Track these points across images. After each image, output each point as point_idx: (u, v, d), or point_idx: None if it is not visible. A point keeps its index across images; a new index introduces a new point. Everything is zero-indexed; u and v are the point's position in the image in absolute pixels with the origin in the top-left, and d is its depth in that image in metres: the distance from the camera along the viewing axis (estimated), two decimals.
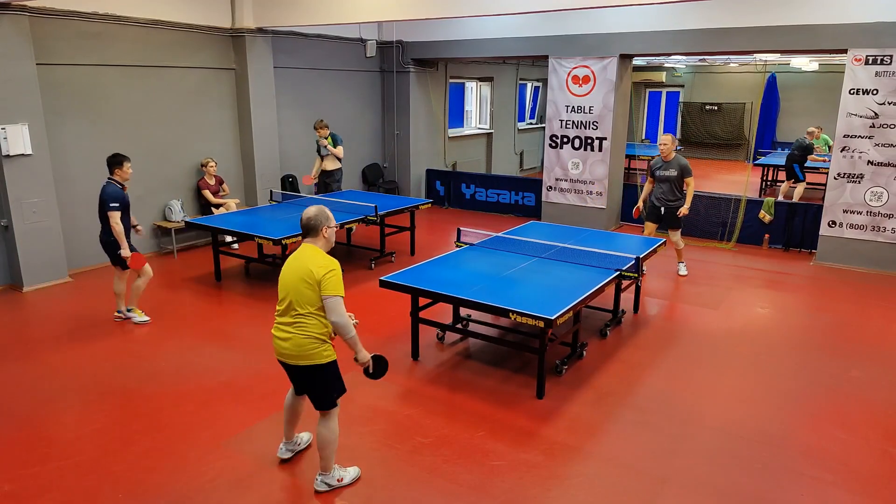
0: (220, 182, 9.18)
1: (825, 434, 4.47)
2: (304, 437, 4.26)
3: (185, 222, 7.88)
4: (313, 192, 9.76)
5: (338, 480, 3.83)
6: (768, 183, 13.75)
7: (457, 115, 14.60)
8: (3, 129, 6.80)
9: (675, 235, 7.26)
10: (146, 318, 6.40)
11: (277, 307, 3.70)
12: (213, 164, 8.97)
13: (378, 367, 3.77)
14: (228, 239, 8.22)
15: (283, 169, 10.39)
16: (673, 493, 3.82)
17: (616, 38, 9.52)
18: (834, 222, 8.46)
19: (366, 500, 3.75)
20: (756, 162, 14.24)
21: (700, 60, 16.80)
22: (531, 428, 4.49)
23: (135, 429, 4.44)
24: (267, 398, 4.87)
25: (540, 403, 4.83)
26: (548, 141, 10.53)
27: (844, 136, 8.19)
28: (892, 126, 7.86)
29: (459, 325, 5.99)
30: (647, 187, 7.70)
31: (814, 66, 15.57)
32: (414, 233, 8.88)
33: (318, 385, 3.68)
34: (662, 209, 7.41)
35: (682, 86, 20.08)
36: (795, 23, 8.20)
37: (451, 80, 13.65)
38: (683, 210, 7.36)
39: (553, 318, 4.44)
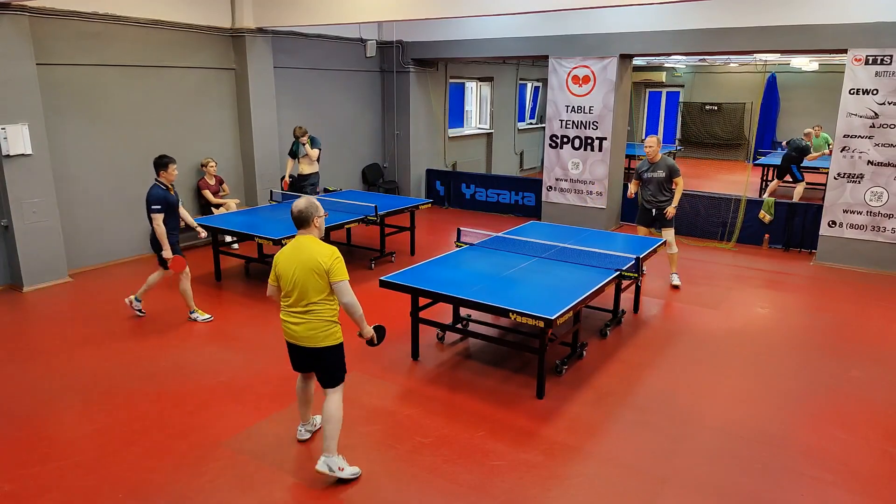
0: (220, 182, 9.18)
1: (825, 434, 4.47)
2: (318, 418, 4.44)
3: (185, 222, 7.87)
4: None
5: (339, 469, 3.88)
6: (768, 183, 13.74)
7: (457, 115, 14.60)
8: (3, 129, 6.80)
9: (669, 234, 7.16)
10: (208, 317, 6.48)
11: (284, 297, 3.86)
12: (213, 164, 8.97)
13: (379, 337, 4.07)
14: (228, 239, 8.22)
15: (283, 169, 10.38)
16: (673, 493, 3.82)
17: (616, 38, 9.52)
18: (834, 222, 8.46)
19: (366, 499, 3.75)
20: (756, 162, 14.24)
21: (700, 60, 16.80)
22: (531, 428, 4.49)
23: (135, 429, 4.44)
24: (267, 398, 4.87)
25: (540, 403, 4.83)
26: (548, 141, 10.53)
27: (844, 136, 8.19)
28: (892, 126, 7.86)
29: (459, 325, 6.00)
30: (632, 187, 7.55)
31: (814, 66, 15.57)
32: (414, 233, 8.88)
33: (328, 365, 3.91)
34: (653, 211, 7.32)
35: (682, 86, 20.08)
36: (795, 23, 8.20)
37: (451, 80, 13.66)
38: (670, 210, 7.18)
39: (553, 318, 4.44)
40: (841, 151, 8.25)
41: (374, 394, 4.96)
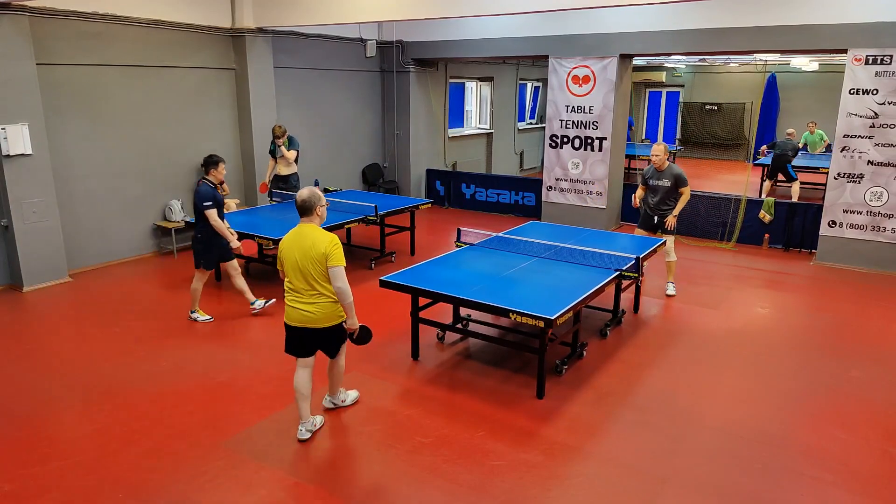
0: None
1: (825, 434, 4.47)
2: (318, 419, 4.52)
3: (185, 222, 7.89)
4: (269, 200, 9.22)
5: (341, 401, 4.67)
6: (776, 184, 13.71)
7: (457, 115, 14.60)
8: (3, 129, 6.80)
9: (669, 241, 7.10)
10: (208, 317, 6.49)
11: (289, 283, 4.18)
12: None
13: (363, 336, 4.33)
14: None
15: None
16: (673, 493, 3.82)
17: (616, 38, 9.52)
18: (834, 222, 8.46)
19: (366, 499, 3.75)
20: (756, 162, 14.25)
21: (700, 60, 16.80)
22: (531, 428, 4.49)
23: (135, 429, 4.44)
24: (267, 398, 4.87)
25: (540, 403, 4.83)
26: (548, 141, 10.53)
27: (844, 136, 8.19)
28: (892, 126, 7.86)
29: (459, 325, 5.99)
30: (639, 192, 7.40)
31: (814, 66, 15.57)
32: (414, 233, 8.88)
33: (333, 339, 4.33)
34: (655, 218, 7.23)
35: (682, 86, 20.08)
36: (795, 23, 8.19)
37: (451, 80, 13.66)
38: (670, 220, 7.04)
39: (553, 318, 4.44)
40: (841, 151, 8.25)
41: (374, 394, 4.96)
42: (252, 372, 5.31)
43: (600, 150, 10.05)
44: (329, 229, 7.17)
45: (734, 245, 9.55)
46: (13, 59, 6.83)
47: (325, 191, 10.18)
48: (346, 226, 7.71)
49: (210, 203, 6.08)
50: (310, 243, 4.02)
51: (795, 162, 12.70)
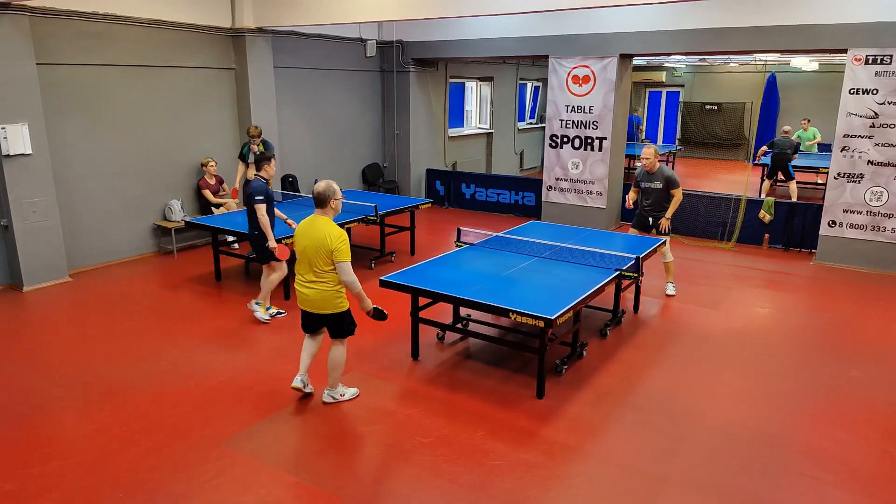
0: (220, 182, 9.18)
1: (825, 434, 4.47)
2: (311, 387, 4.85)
3: (186, 222, 7.89)
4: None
5: (340, 395, 4.77)
6: (776, 183, 13.74)
7: (457, 114, 14.61)
8: (3, 128, 6.80)
9: (665, 243, 7.08)
10: (272, 314, 6.47)
11: (297, 266, 4.53)
12: (213, 163, 8.97)
13: (378, 315, 4.60)
14: (230, 239, 8.22)
15: (283, 169, 10.39)
16: (673, 493, 3.83)
17: (616, 37, 9.52)
18: (834, 222, 8.46)
19: (366, 499, 3.75)
20: (756, 162, 14.25)
21: (700, 60, 16.81)
22: (531, 428, 4.49)
23: (135, 429, 4.44)
24: (267, 398, 4.87)
25: (540, 403, 4.83)
26: (548, 141, 10.53)
27: (844, 136, 8.19)
28: (892, 126, 7.86)
29: (459, 325, 5.99)
30: (631, 194, 7.35)
31: (814, 65, 15.58)
32: (414, 233, 8.88)
33: (336, 324, 4.60)
34: (650, 219, 7.24)
35: (682, 86, 20.09)
36: (795, 23, 8.19)
37: (451, 80, 13.66)
38: (663, 222, 7.01)
39: (553, 317, 4.44)
40: (841, 151, 8.25)
41: (374, 394, 4.96)
42: (252, 372, 5.31)
43: (600, 149, 10.05)
44: None
45: (734, 245, 9.55)
46: (13, 59, 6.83)
47: None
48: (347, 226, 7.70)
49: (261, 198, 6.14)
50: (320, 235, 4.30)
51: (798, 162, 12.69)
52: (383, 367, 5.43)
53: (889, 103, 7.83)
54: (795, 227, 9.24)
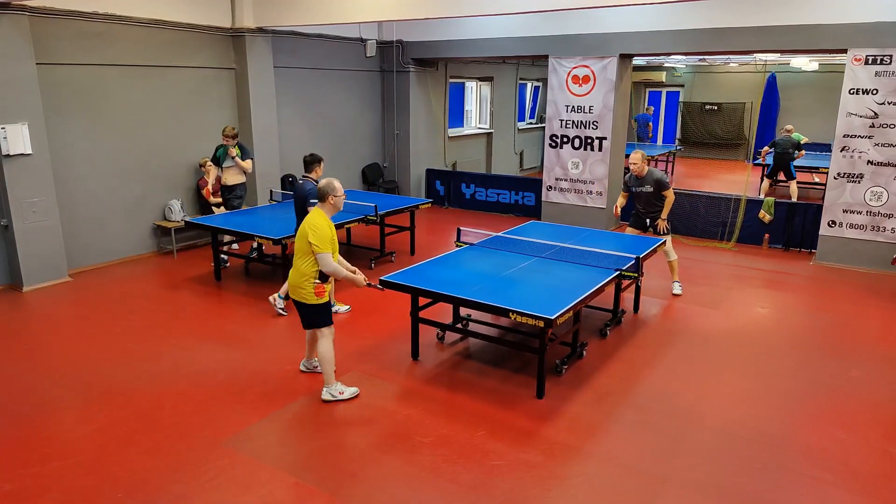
0: (219, 181, 9.17)
1: (825, 434, 4.47)
2: (316, 360, 5.15)
3: (185, 222, 7.89)
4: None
5: (339, 393, 4.81)
6: (776, 183, 13.77)
7: (457, 114, 14.60)
8: (3, 128, 6.80)
9: (667, 241, 7.09)
10: (347, 307, 6.66)
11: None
12: (211, 163, 8.96)
13: (370, 285, 4.91)
14: (227, 239, 8.21)
15: (283, 169, 10.39)
16: (673, 493, 3.83)
17: (616, 37, 9.52)
18: (834, 222, 8.46)
19: (366, 499, 3.75)
20: (756, 162, 14.25)
21: (700, 60, 16.81)
22: (531, 428, 4.49)
23: (135, 429, 4.44)
24: (267, 398, 4.87)
25: (540, 403, 4.83)
26: (548, 141, 10.53)
27: (844, 136, 8.19)
28: (892, 126, 7.86)
29: (459, 325, 5.99)
30: (620, 199, 7.35)
31: (814, 65, 15.58)
32: (414, 233, 8.88)
33: (303, 315, 4.81)
34: (647, 220, 7.26)
35: (682, 86, 20.09)
36: (795, 23, 8.19)
37: (451, 80, 13.65)
38: (660, 223, 7.05)
39: (553, 317, 4.44)
40: (841, 151, 8.25)
41: (374, 394, 4.96)
42: (252, 372, 5.31)
43: (600, 149, 10.05)
44: None
45: (734, 245, 9.55)
46: (13, 59, 6.83)
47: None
48: (346, 225, 7.70)
49: (316, 201, 6.15)
50: (306, 224, 4.57)
51: (798, 162, 12.70)
52: (383, 367, 5.43)
53: (889, 103, 7.83)
54: (795, 227, 9.24)
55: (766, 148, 12.33)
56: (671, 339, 6.09)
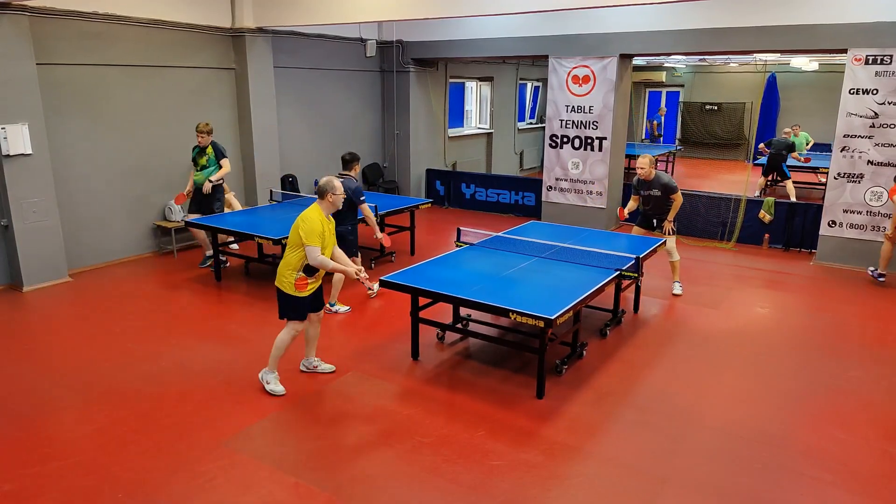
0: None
1: (825, 434, 4.47)
2: (319, 362, 5.29)
3: (185, 222, 7.88)
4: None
5: (266, 382, 4.94)
6: (769, 182, 13.81)
7: (457, 114, 14.60)
8: (3, 129, 6.80)
9: (670, 241, 7.13)
10: (347, 308, 6.69)
11: None
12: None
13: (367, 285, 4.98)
14: (229, 239, 8.21)
15: (283, 169, 10.39)
16: (673, 493, 3.82)
17: (616, 37, 9.52)
18: (834, 222, 8.46)
19: (365, 499, 3.75)
20: (756, 162, 14.26)
21: (700, 60, 16.80)
22: (531, 428, 4.49)
23: (135, 429, 4.44)
24: (267, 398, 4.87)
25: (540, 403, 4.83)
26: (548, 141, 10.53)
27: (844, 136, 8.19)
28: (892, 126, 7.86)
29: (459, 325, 5.99)
30: (631, 203, 7.39)
31: (814, 65, 15.58)
32: (414, 232, 8.88)
33: (280, 304, 4.88)
34: (655, 221, 7.31)
35: (682, 86, 20.08)
36: (795, 23, 8.19)
37: (451, 80, 13.65)
38: (667, 225, 7.10)
39: (553, 317, 4.44)
40: (841, 151, 8.25)
41: (374, 394, 4.96)
42: (252, 372, 5.29)
43: (600, 149, 10.05)
44: None
45: (734, 245, 9.55)
46: (13, 59, 6.83)
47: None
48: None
49: (364, 197, 6.66)
50: (299, 218, 4.67)
51: (797, 162, 12.81)
52: (383, 367, 5.43)
53: (889, 103, 7.83)
54: (795, 227, 9.24)
55: (762, 145, 12.51)
56: (671, 339, 6.09)
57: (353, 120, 11.67)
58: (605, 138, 9.97)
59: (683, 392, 5.05)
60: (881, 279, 7.74)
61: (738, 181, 13.73)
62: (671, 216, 7.11)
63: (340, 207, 4.89)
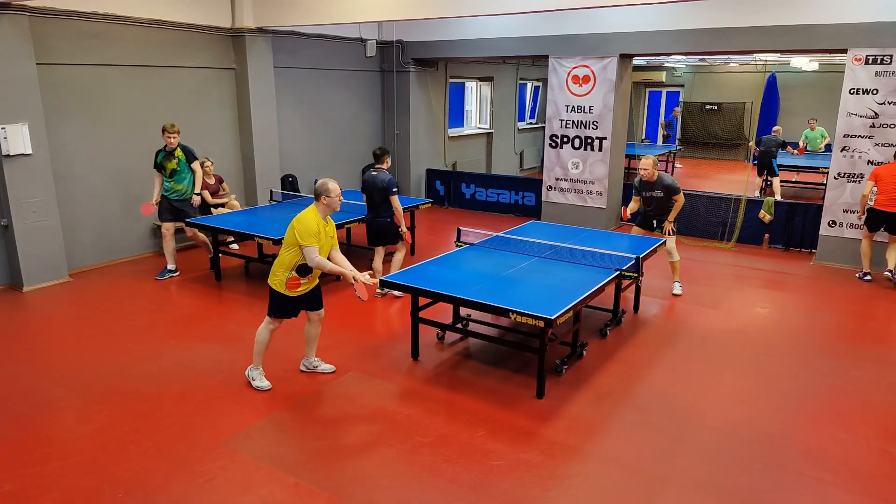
0: (219, 181, 9.17)
1: (825, 434, 4.47)
2: (319, 362, 5.31)
3: (186, 222, 7.88)
4: (158, 220, 7.80)
5: (252, 378, 5.02)
6: (768, 182, 13.82)
7: (457, 114, 14.60)
8: (3, 128, 6.80)
9: (670, 242, 7.14)
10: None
11: None
12: (209, 163, 8.96)
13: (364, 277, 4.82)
14: (229, 239, 8.21)
15: (283, 169, 10.39)
16: (673, 493, 3.82)
17: (616, 37, 9.52)
18: (834, 222, 8.46)
19: (366, 499, 3.75)
20: (755, 161, 14.27)
21: (700, 60, 16.80)
22: (531, 428, 4.49)
23: (135, 429, 4.44)
24: (267, 397, 4.87)
25: (540, 403, 4.83)
26: (548, 141, 10.53)
27: (844, 136, 8.19)
28: (892, 126, 7.86)
29: (459, 325, 5.99)
30: (633, 204, 7.36)
31: (814, 65, 15.58)
32: (414, 233, 8.87)
33: (270, 301, 4.90)
34: (655, 221, 7.32)
35: (682, 86, 20.08)
36: (795, 23, 8.19)
37: (451, 80, 13.65)
38: (667, 226, 7.12)
39: (553, 317, 4.44)
40: (841, 151, 8.25)
41: (374, 394, 4.96)
42: None
43: (600, 149, 10.05)
44: None
45: (734, 245, 9.55)
46: (13, 59, 6.83)
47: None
48: (347, 226, 7.72)
49: (397, 189, 6.87)
50: (295, 219, 4.68)
51: (798, 162, 12.84)
52: (383, 367, 5.43)
53: (889, 103, 7.83)
54: (795, 227, 9.24)
55: (751, 143, 12.63)
56: (671, 339, 6.09)
57: (353, 120, 11.67)
58: (605, 138, 9.97)
59: (683, 392, 5.05)
60: (867, 278, 7.80)
61: (738, 181, 13.73)
62: (672, 216, 7.12)
63: (338, 209, 4.85)
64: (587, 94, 9.93)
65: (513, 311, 4.59)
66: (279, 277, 4.76)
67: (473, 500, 3.73)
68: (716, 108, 19.35)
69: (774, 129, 12.83)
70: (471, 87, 14.86)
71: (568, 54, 9.96)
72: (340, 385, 5.10)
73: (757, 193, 12.31)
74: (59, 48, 7.45)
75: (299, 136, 10.68)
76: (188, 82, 8.86)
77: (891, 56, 7.70)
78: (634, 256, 5.72)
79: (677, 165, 17.72)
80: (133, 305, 6.84)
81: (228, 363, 5.46)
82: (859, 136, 8.07)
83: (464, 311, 6.16)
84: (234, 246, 8.65)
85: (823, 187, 9.74)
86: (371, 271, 4.94)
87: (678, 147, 17.13)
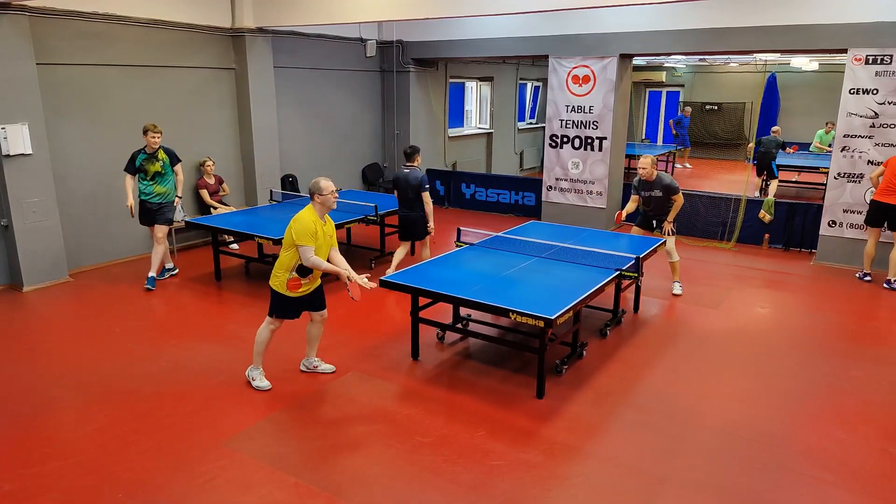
0: (219, 181, 9.18)
1: (825, 434, 4.47)
2: (320, 362, 5.32)
3: (185, 222, 7.88)
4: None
5: (252, 378, 5.04)
6: (767, 184, 13.84)
7: (457, 114, 14.60)
8: (3, 128, 6.80)
9: (670, 242, 7.14)
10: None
11: None
12: (210, 163, 8.97)
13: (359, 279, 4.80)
14: (229, 239, 8.21)
15: (283, 169, 10.39)
16: (673, 493, 3.82)
17: (616, 37, 9.52)
18: (834, 222, 8.46)
19: (366, 499, 3.75)
20: (755, 161, 14.27)
21: (700, 60, 16.80)
22: (531, 428, 4.49)
23: (135, 429, 4.44)
24: (267, 397, 4.87)
25: (540, 403, 4.83)
26: (548, 141, 10.53)
27: (844, 136, 8.19)
28: (892, 126, 7.86)
29: (459, 325, 5.99)
30: (631, 204, 7.32)
31: (814, 65, 15.58)
32: None
33: (272, 302, 4.91)
34: (654, 221, 7.33)
35: (682, 85, 20.08)
36: (795, 22, 8.19)
37: (451, 80, 13.65)
38: (666, 226, 7.12)
39: (553, 317, 4.44)
40: (841, 151, 8.26)
41: (374, 394, 4.96)
42: None
43: (600, 149, 10.05)
44: None
45: (734, 245, 9.55)
46: (13, 59, 6.83)
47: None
48: (347, 225, 7.71)
49: (429, 186, 7.19)
50: (293, 220, 4.67)
51: (799, 162, 12.84)
52: (383, 367, 5.43)
53: (889, 103, 7.83)
54: (795, 227, 9.24)
55: (750, 145, 12.61)
56: (671, 339, 6.09)
57: (353, 120, 11.67)
58: (605, 138, 9.97)
59: (683, 392, 5.05)
60: (867, 278, 7.80)
61: (738, 181, 13.73)
62: (671, 216, 7.12)
63: (334, 208, 4.81)
64: (587, 94, 9.93)
65: (513, 311, 4.59)
66: (280, 279, 4.76)
67: (473, 500, 3.73)
68: (716, 108, 19.35)
69: (773, 129, 12.82)
70: (471, 87, 14.86)
71: (568, 54, 9.96)
72: (340, 385, 5.10)
73: (756, 193, 12.31)
74: (58, 48, 7.45)
75: (299, 136, 10.68)
76: (188, 82, 8.86)
77: (891, 56, 7.70)
78: (634, 256, 5.72)
79: (686, 165, 17.72)
80: (133, 305, 6.84)
81: (228, 363, 5.46)
82: (859, 136, 8.07)
83: (464, 311, 6.16)
84: (234, 246, 8.65)
85: (823, 187, 9.73)
86: (368, 274, 4.92)
87: (678, 147, 17.12)
